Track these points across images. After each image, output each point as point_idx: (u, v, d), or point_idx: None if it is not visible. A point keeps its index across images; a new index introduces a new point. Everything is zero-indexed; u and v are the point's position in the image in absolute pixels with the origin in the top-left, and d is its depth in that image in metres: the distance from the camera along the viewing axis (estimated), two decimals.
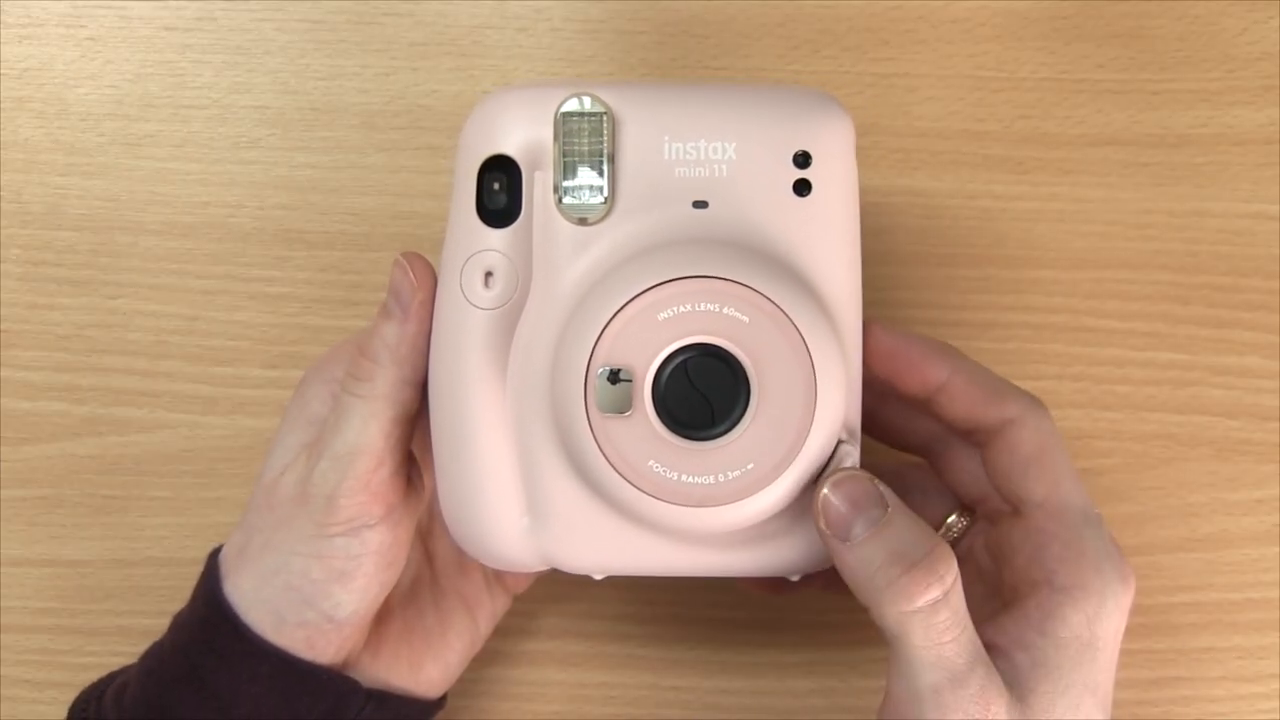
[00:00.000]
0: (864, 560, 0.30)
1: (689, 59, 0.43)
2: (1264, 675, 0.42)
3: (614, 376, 0.31)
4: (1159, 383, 0.43)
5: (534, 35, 0.43)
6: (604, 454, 0.31)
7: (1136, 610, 0.42)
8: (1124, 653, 0.42)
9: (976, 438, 0.35)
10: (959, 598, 0.30)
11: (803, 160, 0.32)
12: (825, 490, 0.31)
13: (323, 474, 0.33)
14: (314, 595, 0.33)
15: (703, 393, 0.31)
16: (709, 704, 0.43)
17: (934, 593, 0.30)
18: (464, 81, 0.43)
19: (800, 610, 0.42)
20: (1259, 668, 0.42)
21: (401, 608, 0.37)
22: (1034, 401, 0.34)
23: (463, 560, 0.38)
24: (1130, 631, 0.43)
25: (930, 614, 0.30)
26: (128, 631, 0.43)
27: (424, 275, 0.33)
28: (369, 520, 0.33)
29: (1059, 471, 0.33)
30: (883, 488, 0.31)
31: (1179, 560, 0.42)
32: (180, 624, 0.35)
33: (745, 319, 0.31)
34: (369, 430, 0.33)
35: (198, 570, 0.35)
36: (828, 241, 0.32)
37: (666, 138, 0.32)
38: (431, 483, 0.37)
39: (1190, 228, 0.43)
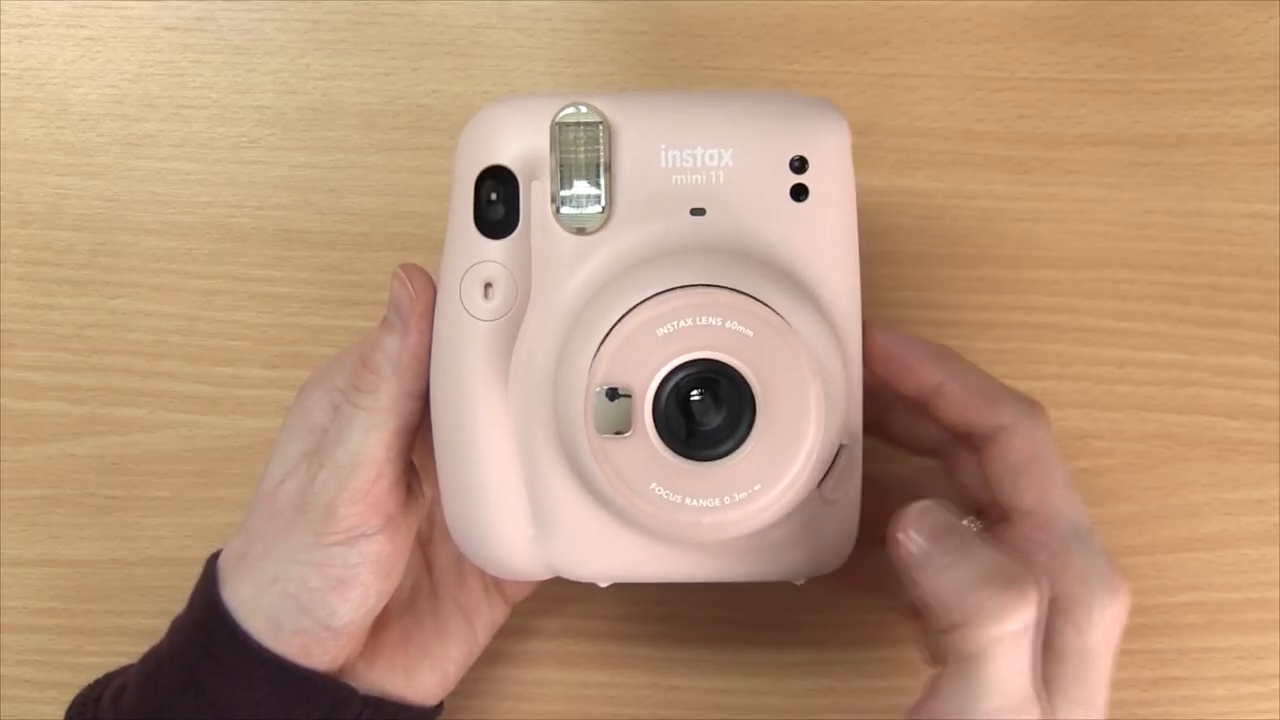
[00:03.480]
0: (956, 579, 0.30)
1: (689, 59, 0.43)
2: (1264, 675, 0.42)
3: (613, 395, 0.30)
4: (1159, 383, 0.43)
5: (534, 35, 0.43)
6: (605, 476, 0.30)
7: (1137, 610, 0.42)
8: (1124, 653, 0.42)
9: (973, 442, 0.34)
10: (1037, 634, 0.30)
11: (799, 165, 0.32)
12: (906, 526, 0.31)
13: (323, 484, 0.33)
14: (311, 604, 0.33)
15: (706, 412, 0.30)
16: (709, 704, 0.43)
17: (1027, 615, 0.29)
18: (464, 81, 0.43)
19: (800, 610, 0.42)
20: (1259, 668, 0.42)
21: (399, 616, 0.37)
22: (1030, 408, 0.33)
23: (461, 569, 0.38)
24: (1130, 631, 0.42)
25: (1018, 638, 0.29)
26: (128, 631, 0.43)
27: (422, 287, 0.33)
28: (367, 530, 0.33)
29: (1050, 481, 0.33)
30: (962, 518, 0.31)
31: (1179, 560, 0.42)
32: (178, 629, 0.35)
33: (749, 333, 0.30)
34: (370, 441, 0.33)
35: (197, 570, 0.35)
36: (826, 245, 0.32)
37: (663, 145, 0.32)
38: (431, 492, 0.37)
39: (1190, 228, 0.43)
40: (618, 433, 0.30)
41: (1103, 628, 0.32)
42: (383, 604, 0.34)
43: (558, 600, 0.42)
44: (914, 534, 0.31)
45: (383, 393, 0.33)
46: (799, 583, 0.34)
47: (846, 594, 0.39)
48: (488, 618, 0.38)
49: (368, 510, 0.33)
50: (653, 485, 0.30)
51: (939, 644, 0.31)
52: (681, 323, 0.30)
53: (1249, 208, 0.43)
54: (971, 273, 0.43)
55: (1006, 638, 0.29)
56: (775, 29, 0.43)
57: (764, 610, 0.43)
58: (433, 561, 0.38)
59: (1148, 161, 0.43)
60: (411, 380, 0.33)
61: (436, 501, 0.37)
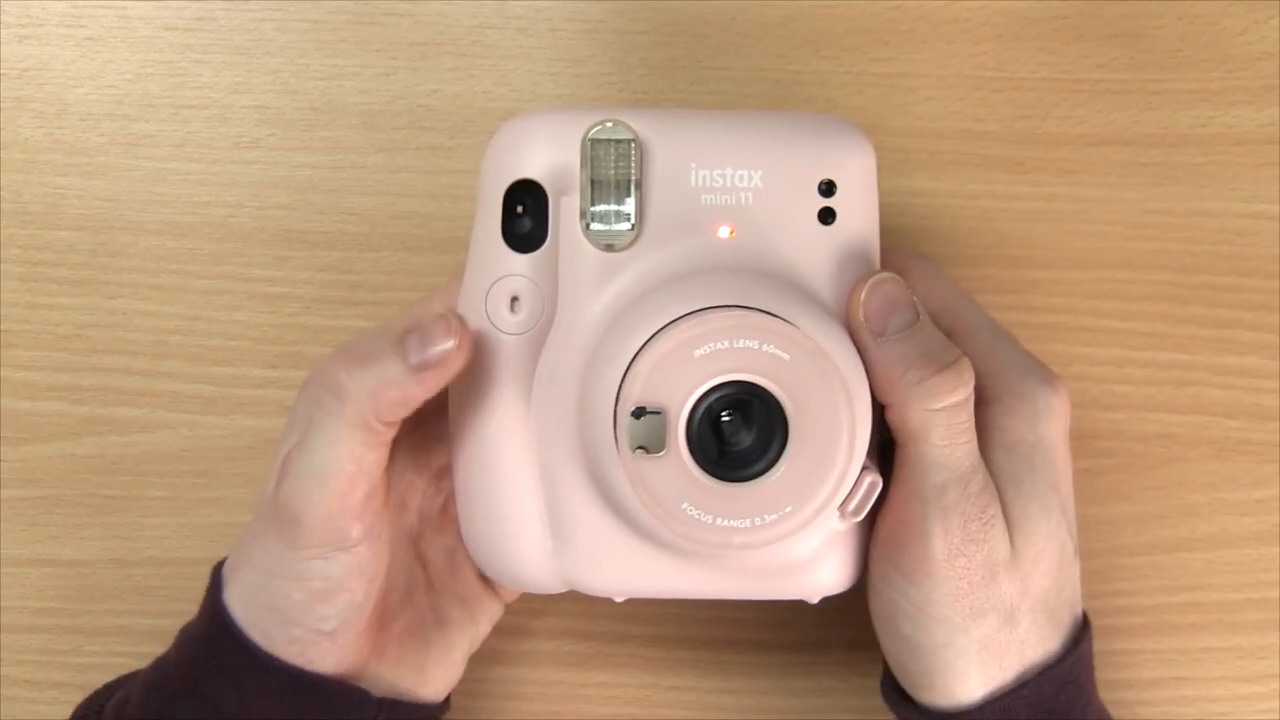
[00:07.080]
0: (898, 356, 0.31)
1: (689, 59, 0.43)
2: (1264, 675, 0.42)
3: (640, 413, 0.30)
4: (1159, 383, 0.43)
5: (534, 35, 0.43)
6: (638, 495, 0.30)
7: (1137, 610, 0.43)
8: (1124, 652, 0.43)
9: None
10: (972, 408, 0.32)
11: (827, 189, 0.32)
12: (865, 290, 0.32)
13: (288, 494, 0.31)
14: (298, 615, 0.32)
15: (737, 432, 0.30)
16: (709, 704, 0.43)
17: (959, 394, 0.31)
18: (464, 81, 0.43)
19: (800, 610, 0.42)
20: (1259, 668, 0.42)
21: (399, 614, 0.36)
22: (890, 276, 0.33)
23: (455, 560, 0.38)
24: (1130, 631, 0.43)
25: (953, 414, 0.31)
26: (128, 631, 0.43)
27: (463, 345, 0.31)
28: (345, 543, 0.32)
29: (948, 300, 0.35)
30: (914, 298, 0.32)
31: (1179, 560, 0.42)
32: (185, 638, 0.34)
33: (785, 356, 0.30)
34: (337, 452, 0.31)
35: (197, 570, 0.35)
36: (850, 269, 0.32)
37: (693, 165, 0.32)
38: (421, 485, 0.36)
39: (1190, 228, 0.43)
40: (646, 450, 0.30)
41: (1052, 420, 0.33)
42: (373, 600, 0.34)
43: (558, 600, 0.42)
44: (870, 302, 0.32)
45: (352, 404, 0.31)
46: (814, 601, 0.34)
47: (843, 595, 0.39)
48: (487, 606, 0.38)
49: (347, 522, 0.31)
50: (684, 505, 0.30)
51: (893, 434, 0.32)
52: (719, 344, 0.30)
53: (1249, 208, 0.43)
54: (971, 273, 0.43)
55: (943, 412, 0.31)
56: (775, 29, 0.43)
57: (764, 610, 0.43)
58: (426, 556, 0.38)
59: (1148, 161, 0.43)
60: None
61: (426, 495, 0.37)
